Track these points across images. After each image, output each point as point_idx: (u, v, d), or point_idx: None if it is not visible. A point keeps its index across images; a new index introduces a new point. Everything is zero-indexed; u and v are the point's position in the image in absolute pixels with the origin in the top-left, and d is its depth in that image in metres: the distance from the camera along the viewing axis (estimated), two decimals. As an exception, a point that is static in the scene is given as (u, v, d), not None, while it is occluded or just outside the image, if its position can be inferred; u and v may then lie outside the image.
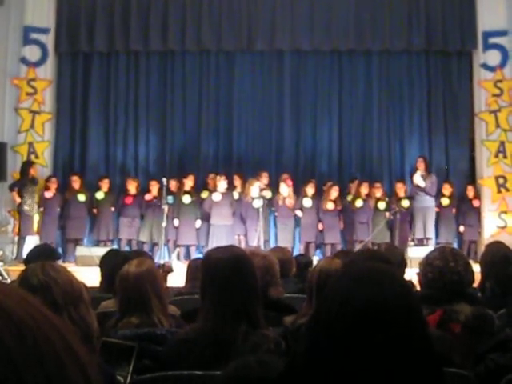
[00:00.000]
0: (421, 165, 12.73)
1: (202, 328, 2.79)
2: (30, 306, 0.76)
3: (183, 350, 2.76)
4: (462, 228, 12.93)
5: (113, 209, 12.96)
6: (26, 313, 0.74)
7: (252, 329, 2.72)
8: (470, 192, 12.91)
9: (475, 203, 12.86)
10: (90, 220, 13.13)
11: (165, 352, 2.89)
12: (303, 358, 1.39)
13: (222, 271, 2.83)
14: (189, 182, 12.80)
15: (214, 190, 12.62)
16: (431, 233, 12.70)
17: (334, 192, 12.62)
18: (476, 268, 4.11)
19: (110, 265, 5.26)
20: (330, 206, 12.58)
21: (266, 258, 4.37)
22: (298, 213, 12.68)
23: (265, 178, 12.84)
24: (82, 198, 12.72)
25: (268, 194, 12.57)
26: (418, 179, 12.55)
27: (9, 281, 8.47)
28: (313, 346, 1.37)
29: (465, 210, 12.89)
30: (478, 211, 12.88)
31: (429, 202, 12.64)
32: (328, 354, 1.33)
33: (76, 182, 12.77)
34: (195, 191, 12.87)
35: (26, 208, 12.29)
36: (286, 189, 12.59)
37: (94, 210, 12.92)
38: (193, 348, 2.73)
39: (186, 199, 12.65)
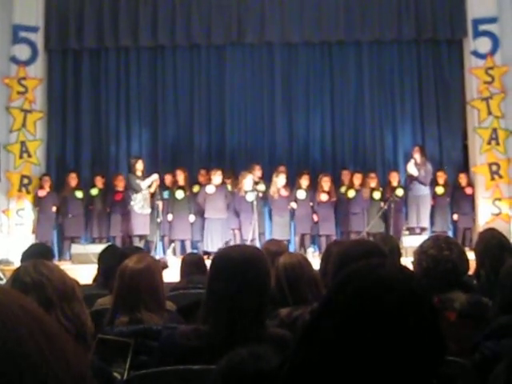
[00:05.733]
0: (416, 153, 12.72)
1: (205, 335, 2.69)
2: (19, 305, 0.76)
3: (190, 358, 2.65)
4: (455, 216, 12.97)
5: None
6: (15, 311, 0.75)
7: (255, 328, 2.65)
8: (463, 180, 12.95)
9: (468, 191, 12.89)
10: (87, 217, 13.09)
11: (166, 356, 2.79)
12: (300, 349, 1.38)
13: (230, 271, 2.70)
14: (180, 177, 12.77)
15: (206, 184, 12.57)
16: (426, 222, 12.71)
17: (325, 183, 12.58)
18: (471, 255, 4.11)
19: (107, 261, 5.26)
20: (324, 197, 12.57)
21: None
22: (293, 205, 12.65)
23: (258, 171, 12.82)
24: (79, 194, 12.70)
25: (262, 187, 12.57)
26: (411, 168, 12.55)
27: (4, 281, 8.46)
28: (312, 337, 1.36)
29: (458, 198, 12.93)
30: (471, 199, 12.92)
31: (423, 190, 12.64)
32: (328, 343, 1.32)
33: (74, 180, 12.76)
34: (188, 186, 12.84)
35: (136, 206, 12.24)
36: (283, 179, 12.53)
37: (90, 207, 12.91)
38: (201, 356, 2.63)
39: (179, 194, 12.63)
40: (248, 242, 11.76)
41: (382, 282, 1.35)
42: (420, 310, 1.33)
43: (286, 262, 3.83)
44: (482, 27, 13.04)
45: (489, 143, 12.93)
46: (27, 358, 0.72)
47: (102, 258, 5.49)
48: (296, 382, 1.34)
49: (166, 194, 12.60)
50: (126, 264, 3.57)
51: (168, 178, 12.87)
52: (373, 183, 12.75)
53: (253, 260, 2.74)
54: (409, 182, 12.74)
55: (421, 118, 13.88)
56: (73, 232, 12.73)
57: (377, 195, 12.71)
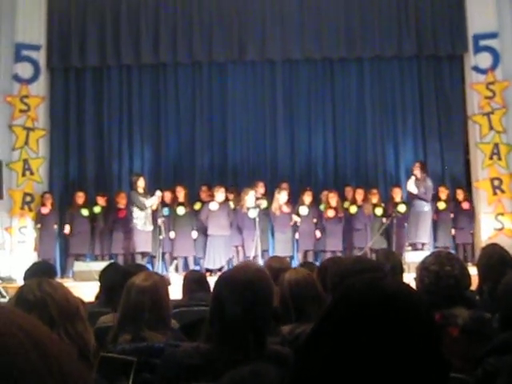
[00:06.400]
0: (417, 169, 12.69)
1: (207, 353, 2.68)
2: (18, 325, 0.76)
3: (192, 376, 2.64)
4: (453, 231, 12.94)
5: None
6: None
7: (257, 346, 2.64)
8: (460, 195, 12.93)
9: (465, 206, 12.86)
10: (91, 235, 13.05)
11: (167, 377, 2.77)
12: (302, 366, 1.38)
13: (233, 292, 2.66)
14: (180, 193, 12.75)
15: (207, 201, 12.56)
16: (425, 238, 12.64)
17: (332, 200, 12.55)
18: (473, 271, 4.10)
19: (109, 279, 5.24)
20: (331, 213, 12.53)
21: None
22: (296, 218, 12.60)
23: (261, 188, 12.82)
24: (85, 212, 12.68)
25: (264, 203, 12.55)
26: (410, 186, 12.52)
27: (7, 298, 8.45)
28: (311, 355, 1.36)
29: (456, 213, 12.91)
30: (468, 214, 12.89)
31: (424, 206, 12.60)
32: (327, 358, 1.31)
33: (80, 198, 12.76)
34: (189, 202, 12.83)
35: (139, 223, 12.21)
36: (285, 196, 12.52)
37: (94, 224, 12.89)
38: (202, 374, 2.61)
39: (180, 211, 12.61)
40: (250, 259, 11.73)
41: (383, 295, 1.35)
42: (421, 325, 1.33)
43: (291, 278, 3.81)
44: (483, 42, 13.09)
45: (491, 158, 12.94)
46: (20, 381, 0.72)
47: (104, 275, 5.47)
48: None
49: (165, 211, 12.53)
50: (132, 281, 3.56)
51: (168, 195, 12.84)
52: (374, 199, 12.74)
53: (256, 281, 2.72)
54: (410, 198, 12.73)
55: (422, 134, 13.90)
56: (78, 249, 12.70)
57: (378, 211, 12.68)
